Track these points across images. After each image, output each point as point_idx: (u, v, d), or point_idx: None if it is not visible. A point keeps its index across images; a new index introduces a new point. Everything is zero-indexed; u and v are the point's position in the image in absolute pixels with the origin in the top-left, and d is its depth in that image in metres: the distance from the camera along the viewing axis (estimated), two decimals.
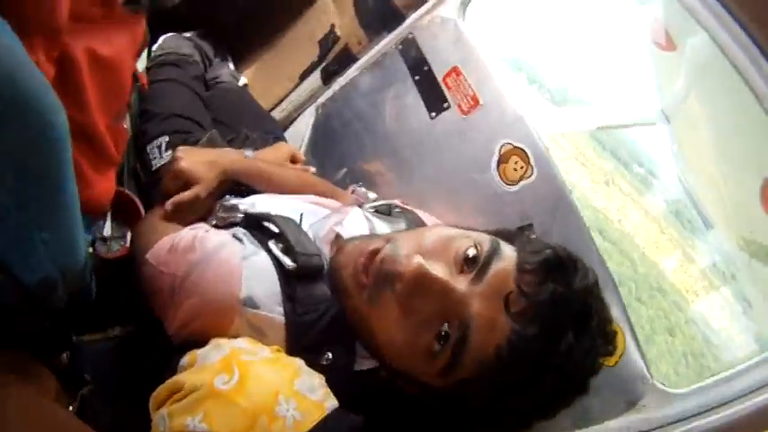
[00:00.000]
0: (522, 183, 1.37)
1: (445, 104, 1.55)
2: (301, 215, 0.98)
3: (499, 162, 1.41)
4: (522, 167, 1.37)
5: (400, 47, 1.74)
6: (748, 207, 2.01)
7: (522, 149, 1.38)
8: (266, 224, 0.89)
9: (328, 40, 2.09)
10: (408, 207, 1.32)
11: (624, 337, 1.09)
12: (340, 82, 1.96)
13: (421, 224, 1.14)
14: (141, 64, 1.61)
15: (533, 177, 1.36)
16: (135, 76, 1.24)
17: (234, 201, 1.01)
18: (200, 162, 0.99)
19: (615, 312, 1.10)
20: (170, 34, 1.84)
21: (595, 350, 0.80)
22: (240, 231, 0.90)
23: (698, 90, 2.05)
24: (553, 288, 0.74)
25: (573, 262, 0.82)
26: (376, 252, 0.82)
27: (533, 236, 1.32)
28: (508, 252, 0.81)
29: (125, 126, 1.11)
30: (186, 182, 0.98)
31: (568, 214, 1.30)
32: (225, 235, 0.88)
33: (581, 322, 0.77)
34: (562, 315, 0.74)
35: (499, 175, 1.41)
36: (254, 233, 0.89)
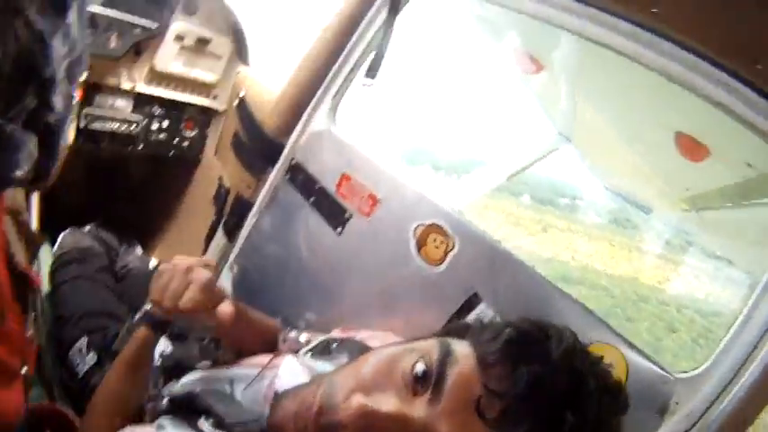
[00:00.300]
0: (449, 257, 1.30)
1: (346, 215, 1.51)
2: (232, 382, 0.93)
3: (419, 246, 1.35)
4: (442, 242, 1.31)
5: (288, 176, 1.72)
6: (672, 165, 2.07)
7: (435, 225, 1.33)
8: (194, 403, 0.87)
9: (220, 195, 2.07)
10: (348, 335, 1.19)
11: (623, 354, 1.00)
12: (243, 234, 1.89)
13: (365, 350, 1.01)
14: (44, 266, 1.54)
15: (457, 247, 1.29)
16: (29, 277, 1.11)
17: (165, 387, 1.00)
18: None
19: (602, 335, 1.03)
20: (68, 231, 1.77)
21: (605, 412, 0.68)
22: (165, 419, 0.86)
23: (584, 93, 2.17)
24: (527, 372, 0.63)
25: (541, 329, 0.72)
26: (311, 404, 0.71)
27: (482, 305, 1.22)
28: (463, 350, 0.71)
29: (27, 333, 0.99)
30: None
31: (507, 264, 1.23)
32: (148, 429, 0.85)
33: (576, 394, 0.65)
34: (550, 398, 0.63)
35: (423, 259, 1.33)
36: (181, 416, 0.86)
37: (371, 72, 1.45)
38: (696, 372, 0.92)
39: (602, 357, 0.78)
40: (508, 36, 1.95)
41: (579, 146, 2.77)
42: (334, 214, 1.53)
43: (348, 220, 1.50)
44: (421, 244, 1.35)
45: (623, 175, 2.98)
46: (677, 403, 0.92)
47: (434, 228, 1.33)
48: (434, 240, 1.32)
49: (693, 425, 0.88)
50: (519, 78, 2.44)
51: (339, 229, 1.52)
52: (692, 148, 1.69)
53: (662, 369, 0.98)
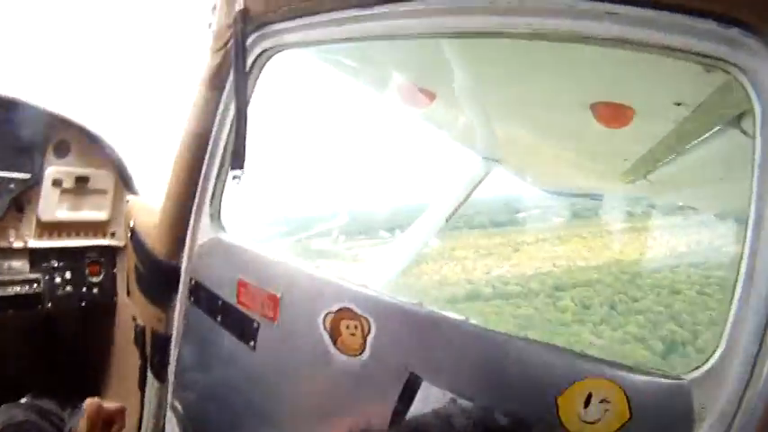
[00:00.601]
0: (368, 341, 1.12)
1: (254, 325, 1.32)
2: None
3: (334, 338, 1.16)
4: (357, 327, 1.12)
5: (191, 298, 1.55)
6: (602, 143, 1.95)
7: (344, 309, 1.15)
8: None
9: (138, 337, 1.87)
10: None
11: (618, 385, 0.82)
12: (171, 370, 1.69)
13: None
14: None
15: (374, 328, 1.11)
16: None
17: None
18: None
19: (591, 368, 0.86)
20: (1, 408, 1.57)
21: None
22: None
23: (491, 105, 2.07)
24: None
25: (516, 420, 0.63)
26: None
27: (424, 385, 1.03)
28: None
29: None
30: None
31: (437, 328, 1.05)
32: None
33: None
34: None
35: (342, 351, 1.14)
36: None
37: (237, 162, 1.32)
38: (711, 362, 0.75)
39: None
40: (392, 76, 1.88)
41: (508, 163, 2.70)
42: (243, 328, 1.35)
43: (257, 330, 1.31)
44: (335, 335, 1.16)
45: (559, 175, 2.90)
46: (704, 408, 0.75)
47: (344, 313, 1.14)
48: (348, 327, 1.14)
49: (731, 422, 0.72)
50: (419, 119, 2.37)
51: (252, 343, 1.32)
52: (613, 113, 1.57)
53: (671, 378, 0.80)
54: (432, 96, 1.93)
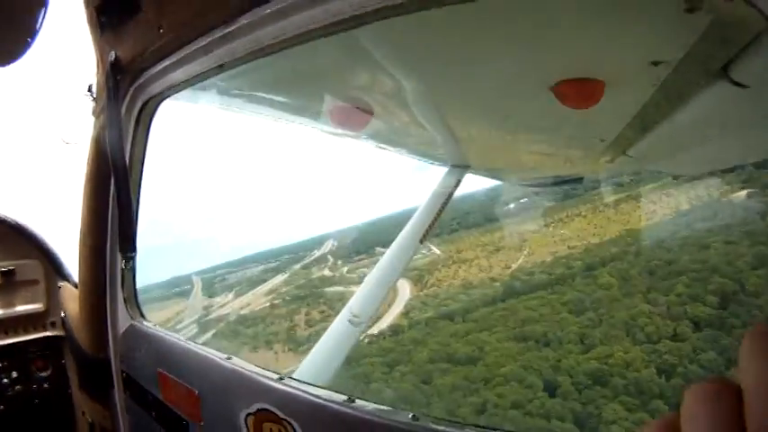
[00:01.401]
0: None
1: (183, 422, 1.13)
2: None
3: None
4: (280, 431, 0.91)
5: (127, 393, 1.36)
6: (573, 127, 1.74)
7: (264, 411, 0.94)
8: None
9: None
10: None
11: None
12: None
13: None
14: None
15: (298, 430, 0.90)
16: None
17: None
18: None
19: None
20: None
21: None
22: None
23: (438, 104, 1.86)
24: None
25: None
26: None
27: None
28: None
29: None
30: None
31: (372, 424, 0.84)
32: None
33: None
34: None
35: None
36: None
37: (124, 244, 1.13)
38: None
39: None
40: (321, 102, 1.68)
41: (479, 167, 2.48)
42: (175, 426, 1.15)
43: (188, 429, 1.11)
44: None
45: (536, 169, 2.69)
46: None
47: (265, 415, 0.94)
48: (271, 431, 0.93)
49: None
50: (363, 138, 2.13)
51: None
52: (580, 91, 1.33)
53: None
54: (369, 112, 1.71)
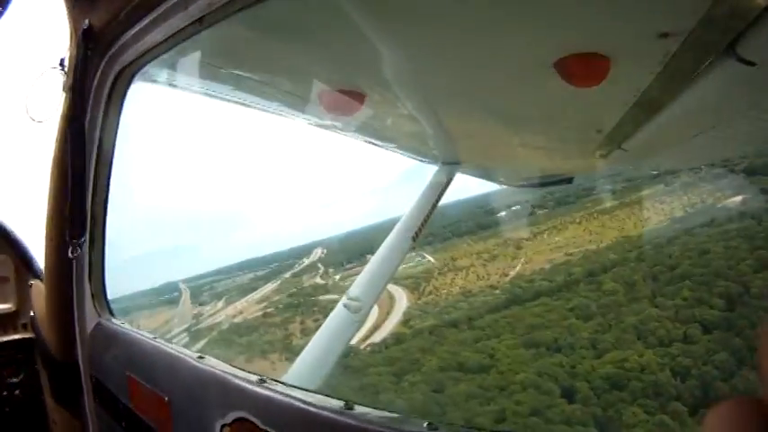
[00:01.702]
0: None
1: None
2: None
3: None
4: None
5: (96, 400, 1.23)
6: (565, 110, 1.62)
7: (241, 420, 0.81)
8: None
9: None
10: None
11: None
12: None
13: None
14: None
15: None
16: None
17: None
18: None
19: None
20: None
21: None
22: None
23: (432, 87, 1.74)
24: None
25: None
26: None
27: None
28: None
29: None
30: None
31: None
32: None
33: None
34: None
35: None
36: None
37: (74, 227, 1.01)
38: None
39: None
40: (311, 85, 1.56)
41: (470, 164, 2.37)
42: None
43: None
44: None
45: (528, 166, 2.59)
46: None
47: (243, 425, 0.80)
48: None
49: None
50: (353, 127, 2.00)
51: None
52: (585, 67, 1.22)
53: None
54: (362, 98, 1.59)
